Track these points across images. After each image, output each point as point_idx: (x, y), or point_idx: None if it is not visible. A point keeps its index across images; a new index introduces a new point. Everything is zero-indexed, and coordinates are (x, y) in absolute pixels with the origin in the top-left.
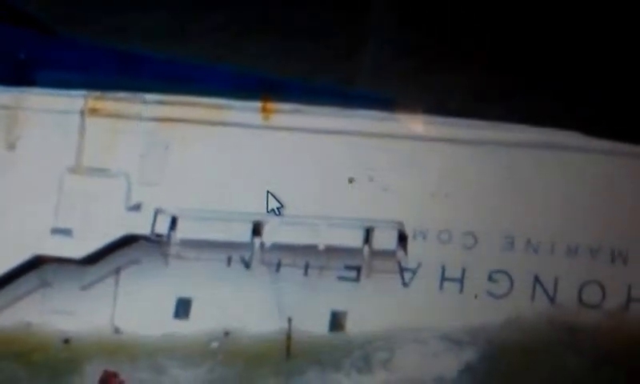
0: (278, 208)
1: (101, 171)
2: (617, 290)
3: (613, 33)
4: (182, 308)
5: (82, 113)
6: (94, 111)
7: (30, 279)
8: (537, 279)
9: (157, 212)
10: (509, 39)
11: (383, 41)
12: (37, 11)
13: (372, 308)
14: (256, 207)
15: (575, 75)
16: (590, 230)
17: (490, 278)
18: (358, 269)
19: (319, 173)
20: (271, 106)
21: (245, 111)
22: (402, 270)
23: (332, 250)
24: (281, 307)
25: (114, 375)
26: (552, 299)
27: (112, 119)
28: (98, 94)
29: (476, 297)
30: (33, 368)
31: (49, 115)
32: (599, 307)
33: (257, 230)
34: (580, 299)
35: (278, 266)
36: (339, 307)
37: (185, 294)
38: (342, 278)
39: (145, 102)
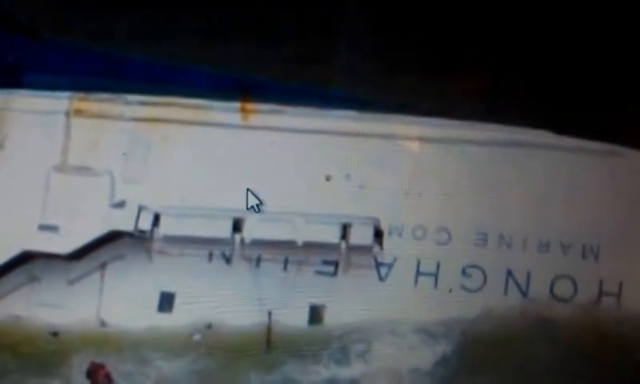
0: (257, 205)
1: (85, 170)
2: (588, 285)
3: (582, 32)
4: (166, 302)
5: (67, 113)
6: (78, 112)
7: (19, 274)
8: (509, 274)
9: (140, 209)
10: (478, 40)
11: (357, 43)
12: (23, 16)
13: (349, 302)
14: (236, 204)
15: (544, 75)
16: (562, 226)
17: (464, 273)
18: (336, 264)
19: (297, 171)
20: (250, 106)
21: (224, 111)
22: (378, 264)
23: (310, 246)
24: (261, 301)
25: (101, 367)
26: (524, 293)
27: (96, 119)
28: (82, 95)
29: (450, 291)
30: (22, 360)
31: (35, 116)
32: (571, 301)
33: (237, 226)
34: (552, 293)
35: (258, 261)
36: (318, 301)
37: (168, 288)
38: (319, 273)
39: (128, 103)
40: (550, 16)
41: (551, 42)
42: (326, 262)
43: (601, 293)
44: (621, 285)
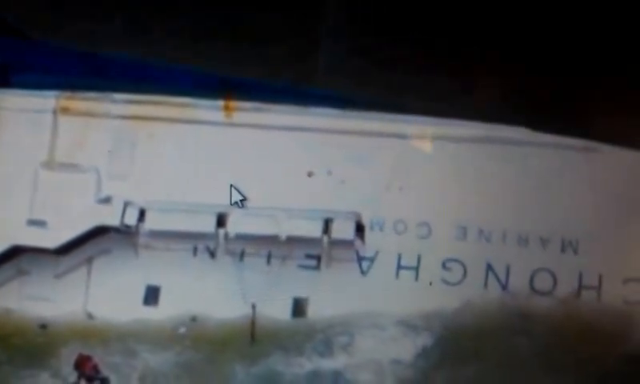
0: (241, 200)
1: (72, 166)
2: (568, 278)
3: (558, 31)
4: (151, 295)
5: (54, 112)
6: (65, 110)
7: (8, 268)
8: (489, 267)
9: (126, 204)
10: (457, 38)
11: (337, 42)
12: (12, 18)
13: (332, 295)
14: (220, 200)
15: (521, 73)
16: (541, 220)
17: (444, 266)
18: (318, 258)
19: (280, 167)
20: (233, 104)
21: (208, 109)
22: (359, 258)
23: (293, 240)
24: (245, 294)
25: (88, 358)
26: (504, 286)
27: (83, 117)
28: (69, 94)
29: (431, 284)
30: (12, 351)
31: (24, 114)
32: (550, 294)
33: (221, 221)
34: (532, 286)
35: (242, 255)
36: (301, 294)
37: (154, 282)
38: (302, 267)
39: (113, 101)
40: (527, 15)
41: (528, 41)
42: (308, 256)
43: (580, 286)
44: (600, 278)
